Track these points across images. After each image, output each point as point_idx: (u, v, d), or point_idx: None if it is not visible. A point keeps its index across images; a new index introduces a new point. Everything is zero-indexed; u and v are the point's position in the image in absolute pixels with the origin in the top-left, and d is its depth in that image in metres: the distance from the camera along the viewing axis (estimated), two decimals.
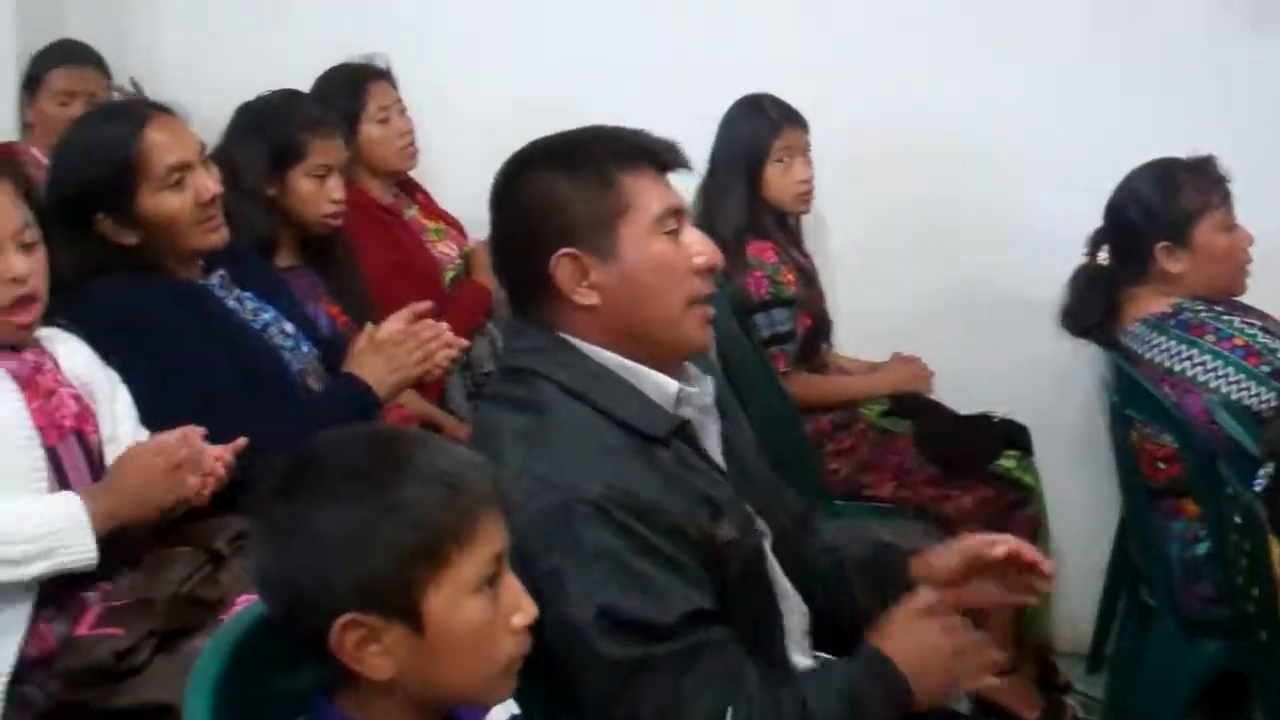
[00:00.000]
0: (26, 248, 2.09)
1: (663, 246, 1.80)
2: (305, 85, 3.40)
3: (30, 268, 2.08)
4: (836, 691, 1.70)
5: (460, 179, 3.75)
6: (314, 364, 2.66)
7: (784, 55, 3.70)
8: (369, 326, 2.61)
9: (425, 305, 2.63)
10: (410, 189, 3.67)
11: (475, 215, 3.71)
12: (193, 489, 2.13)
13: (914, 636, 1.74)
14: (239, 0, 3.96)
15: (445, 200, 3.78)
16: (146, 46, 3.98)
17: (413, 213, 3.60)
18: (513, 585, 1.40)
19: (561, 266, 1.78)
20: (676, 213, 1.82)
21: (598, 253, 1.77)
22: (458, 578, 1.34)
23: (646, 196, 1.79)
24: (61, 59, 3.74)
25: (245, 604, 2.11)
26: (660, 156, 1.83)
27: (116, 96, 3.70)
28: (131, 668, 1.98)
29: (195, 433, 2.16)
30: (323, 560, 1.32)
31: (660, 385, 1.81)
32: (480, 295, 3.45)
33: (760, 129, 3.38)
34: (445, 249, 3.60)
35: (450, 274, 3.55)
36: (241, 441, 2.19)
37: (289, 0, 3.95)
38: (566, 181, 1.78)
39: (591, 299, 1.79)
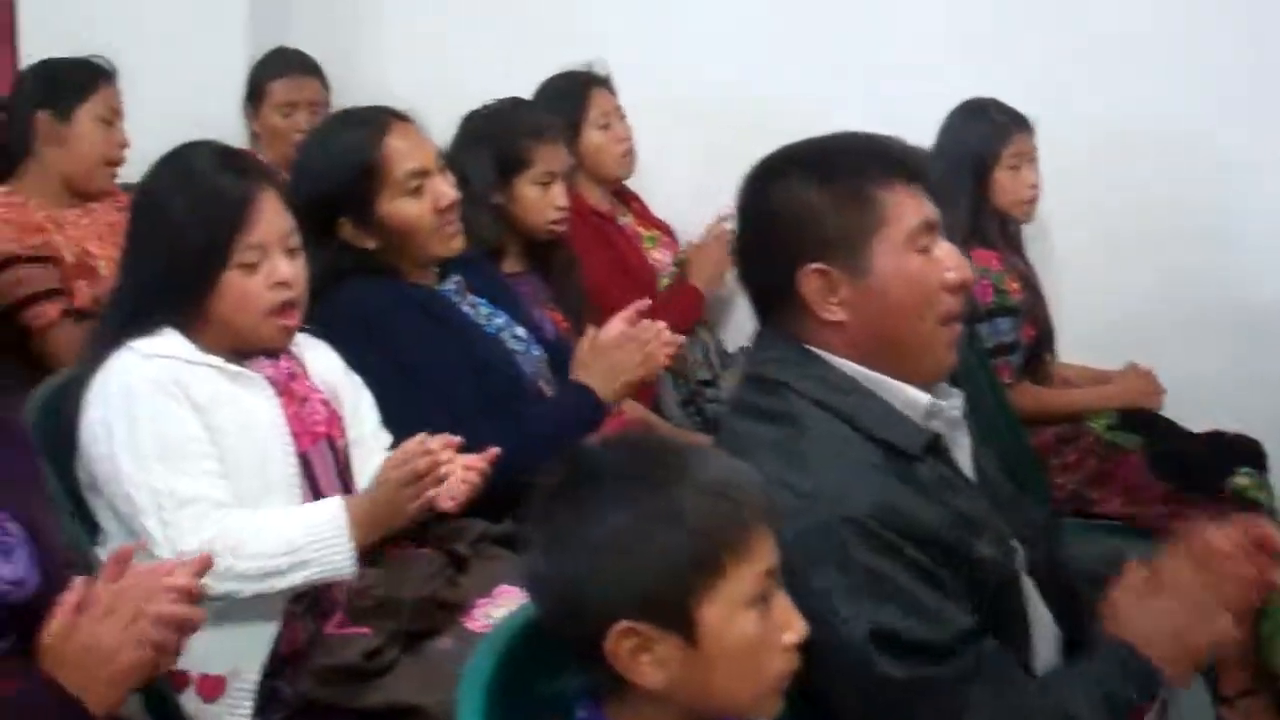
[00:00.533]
0: (291, 253, 2.14)
1: (916, 263, 1.73)
2: (525, 92, 3.44)
3: (295, 273, 2.13)
4: (1093, 697, 1.65)
5: (672, 186, 3.81)
6: (544, 369, 2.68)
7: (1002, 59, 3.62)
8: (590, 330, 2.60)
9: (644, 303, 2.61)
10: (624, 196, 3.69)
11: (687, 222, 3.78)
12: (433, 504, 2.13)
13: (1147, 614, 1.69)
14: (460, 7, 4.02)
15: (657, 207, 3.79)
16: (370, 55, 4.06)
17: (627, 220, 3.62)
18: (783, 602, 1.39)
19: (809, 281, 1.73)
20: (930, 226, 1.74)
21: (848, 269, 1.72)
22: (733, 591, 1.33)
23: (901, 210, 1.72)
24: (281, 69, 3.83)
25: (484, 607, 2.15)
26: (915, 167, 1.77)
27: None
28: (379, 667, 2.01)
29: (450, 441, 2.17)
30: (600, 564, 1.33)
31: (911, 399, 1.76)
32: (694, 299, 3.45)
33: (989, 134, 3.31)
34: (659, 256, 3.61)
35: (665, 281, 3.55)
36: (494, 451, 2.20)
37: (508, 7, 3.99)
38: (818, 192, 1.72)
39: (839, 315, 1.73)
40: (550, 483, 1.40)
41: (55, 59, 3.16)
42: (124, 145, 3.14)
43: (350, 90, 3.88)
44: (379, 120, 2.52)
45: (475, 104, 3.18)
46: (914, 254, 1.73)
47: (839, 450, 1.69)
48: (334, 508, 2.08)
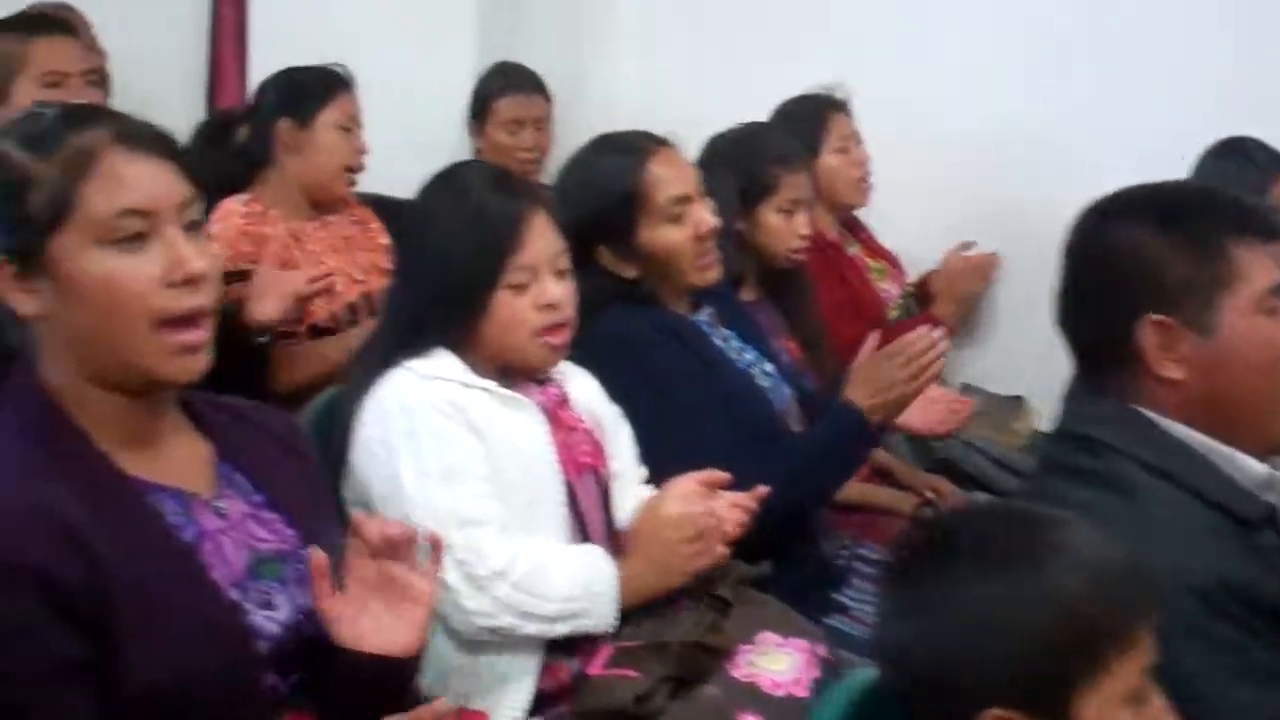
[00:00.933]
0: (560, 274, 2.09)
1: (1267, 327, 1.62)
2: (757, 114, 3.35)
3: (564, 295, 2.08)
4: None
5: (900, 215, 3.70)
6: (793, 407, 2.60)
7: (1260, 96, 3.44)
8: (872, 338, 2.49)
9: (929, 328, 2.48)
10: (852, 225, 3.59)
11: (912, 253, 3.66)
12: (719, 557, 2.07)
13: None
14: (692, 27, 3.96)
15: (883, 237, 3.68)
16: (597, 71, 4.02)
17: (855, 249, 3.52)
18: (1160, 702, 1.29)
19: (1149, 334, 1.63)
20: None
21: (1192, 325, 1.61)
22: (1112, 686, 1.24)
23: (1256, 269, 1.62)
24: (507, 87, 3.81)
25: (747, 654, 2.07)
26: (1272, 226, 1.66)
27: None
28: (650, 713, 1.94)
29: (718, 478, 2.10)
30: (973, 644, 1.25)
31: (1247, 467, 1.64)
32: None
33: (1250, 176, 3.14)
34: (886, 287, 3.51)
35: (893, 314, 3.45)
36: (764, 490, 2.12)
37: (744, 26, 3.91)
38: (1166, 240, 1.63)
39: (1176, 373, 1.63)
40: (910, 547, 1.31)
41: (295, 67, 3.16)
42: (363, 152, 3.13)
43: (577, 107, 3.85)
44: (641, 146, 2.47)
45: (703, 124, 3.09)
46: (1264, 317, 1.62)
47: (1176, 516, 1.58)
48: (609, 564, 2.04)
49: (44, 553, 1.38)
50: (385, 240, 3.23)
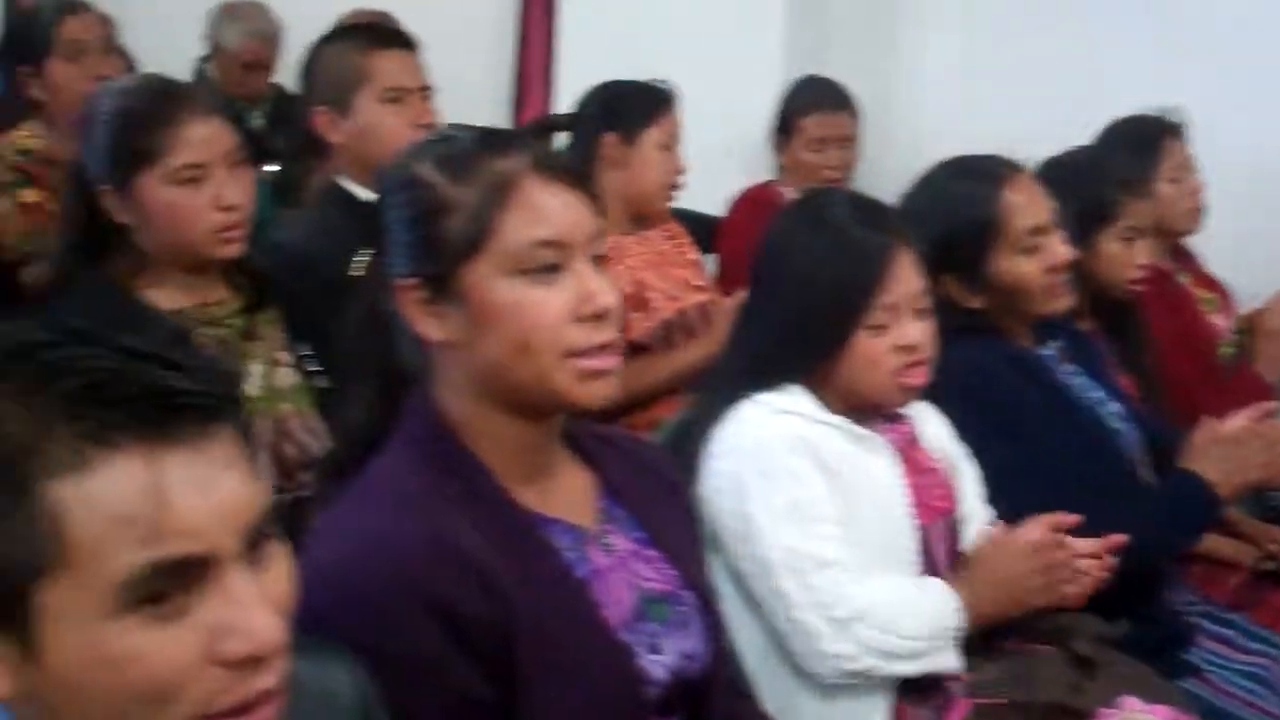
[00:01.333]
0: (919, 313, 1.99)
1: None
2: (1072, 138, 3.19)
3: (924, 336, 1.98)
4: None
5: (1231, 244, 3.50)
6: (1141, 450, 2.46)
7: None
8: (1209, 421, 2.38)
9: (1273, 406, 2.39)
10: (1179, 254, 3.41)
11: (1245, 283, 3.46)
12: (1065, 597, 1.97)
13: None
14: (1009, 44, 3.83)
15: (1211, 266, 3.49)
16: (907, 87, 3.93)
17: (1184, 279, 3.34)
18: None
19: None
20: None
21: None
22: None
23: None
24: (815, 104, 3.74)
25: (1109, 718, 1.95)
26: None
27: None
28: None
29: (1064, 521, 2.00)
30: None
31: None
32: (1260, 389, 3.12)
33: None
34: (1218, 321, 3.31)
35: (1226, 349, 3.25)
36: (1120, 539, 2.00)
37: (1059, 46, 3.77)
38: None
39: None
40: None
41: (619, 81, 3.14)
42: (680, 171, 3.11)
43: (883, 123, 3.76)
44: (996, 173, 2.35)
45: (1016, 143, 2.93)
46: None
47: None
48: (946, 594, 1.94)
49: (450, 586, 1.36)
50: (695, 256, 3.21)
